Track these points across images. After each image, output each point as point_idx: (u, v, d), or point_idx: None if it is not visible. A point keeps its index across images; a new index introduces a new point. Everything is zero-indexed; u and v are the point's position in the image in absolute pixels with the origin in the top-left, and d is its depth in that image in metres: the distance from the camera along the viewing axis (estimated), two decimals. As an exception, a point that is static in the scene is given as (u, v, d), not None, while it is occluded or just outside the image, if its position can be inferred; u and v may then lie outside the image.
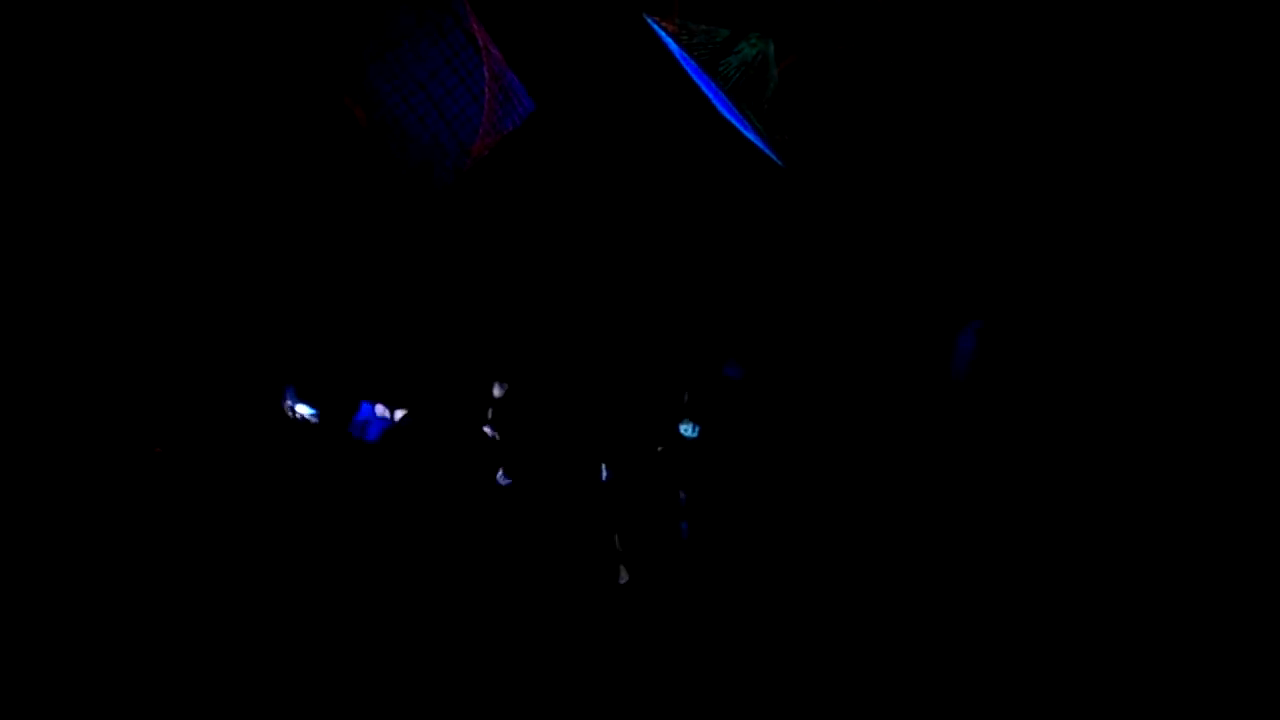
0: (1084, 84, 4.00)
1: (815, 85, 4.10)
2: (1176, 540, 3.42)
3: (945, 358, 3.94)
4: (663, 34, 3.51)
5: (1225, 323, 3.69)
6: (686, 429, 3.79)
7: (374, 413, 3.93)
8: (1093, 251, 3.96)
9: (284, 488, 3.14)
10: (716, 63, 3.52)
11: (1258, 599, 3.25)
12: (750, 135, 3.81)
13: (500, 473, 3.88)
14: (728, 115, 3.84)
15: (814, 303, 4.17)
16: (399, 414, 3.88)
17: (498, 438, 3.92)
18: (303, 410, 3.43)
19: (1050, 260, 3.98)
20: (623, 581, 3.70)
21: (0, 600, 2.68)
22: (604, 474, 3.81)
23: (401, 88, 3.89)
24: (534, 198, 4.41)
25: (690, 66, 3.65)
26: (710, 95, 3.82)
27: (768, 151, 3.81)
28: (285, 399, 3.66)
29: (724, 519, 3.60)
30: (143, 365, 3.63)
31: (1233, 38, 3.83)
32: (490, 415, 3.96)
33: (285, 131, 4.21)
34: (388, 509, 3.31)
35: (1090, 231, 3.98)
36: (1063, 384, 3.75)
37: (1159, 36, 3.90)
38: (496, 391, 4.06)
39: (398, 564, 3.26)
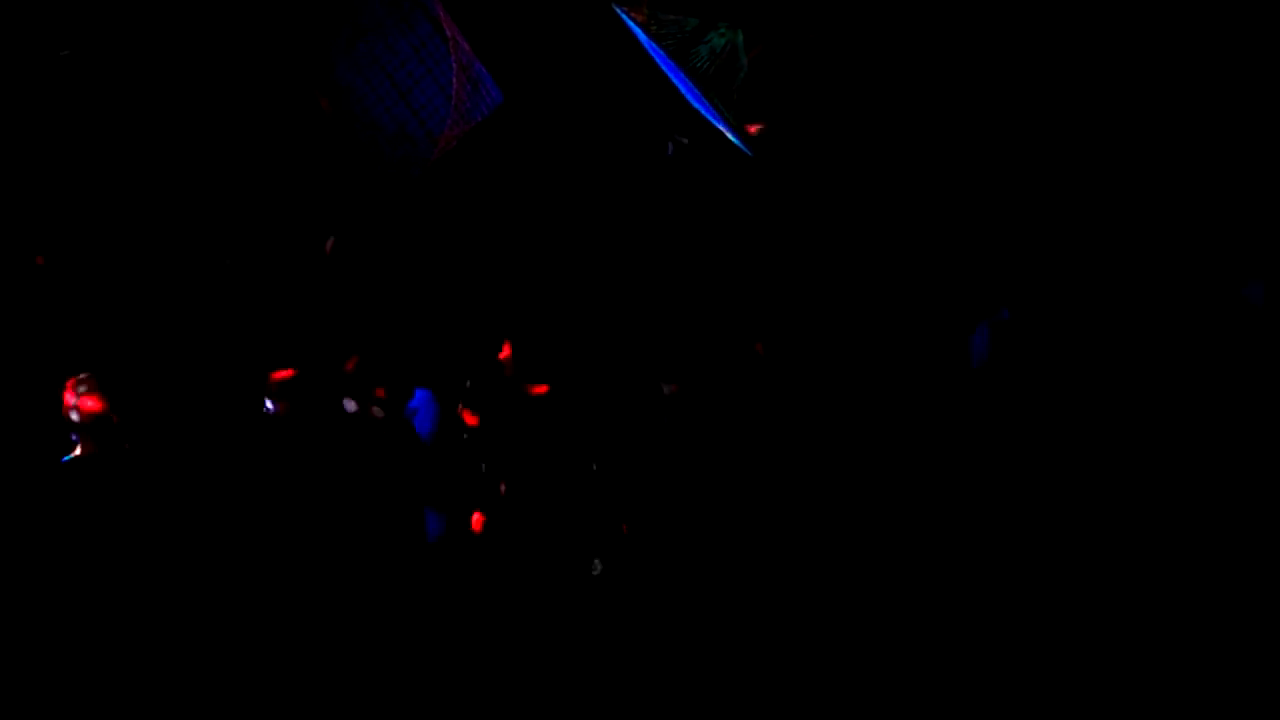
0: (1068, 73, 4.05)
1: (784, 74, 4.13)
2: (1189, 536, 3.40)
3: (943, 350, 3.97)
4: (632, 24, 3.52)
5: (1234, 314, 3.68)
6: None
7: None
8: (1091, 244, 4.00)
9: (262, 484, 3.13)
10: (685, 52, 3.53)
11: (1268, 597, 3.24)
12: (719, 124, 3.82)
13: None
14: (697, 105, 3.85)
15: (787, 293, 4.20)
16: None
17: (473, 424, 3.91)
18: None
19: (1043, 254, 4.02)
20: (595, 573, 3.70)
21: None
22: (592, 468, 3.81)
23: (369, 78, 3.87)
24: (503, 188, 4.41)
25: (659, 56, 3.66)
26: (679, 85, 3.83)
27: (736, 141, 3.83)
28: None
29: (721, 512, 3.59)
30: (116, 360, 3.60)
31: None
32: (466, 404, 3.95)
33: (254, 123, 4.18)
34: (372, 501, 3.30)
35: (1086, 223, 4.02)
36: (1075, 378, 3.74)
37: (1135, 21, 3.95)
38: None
39: (389, 559, 3.26)
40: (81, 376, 2.80)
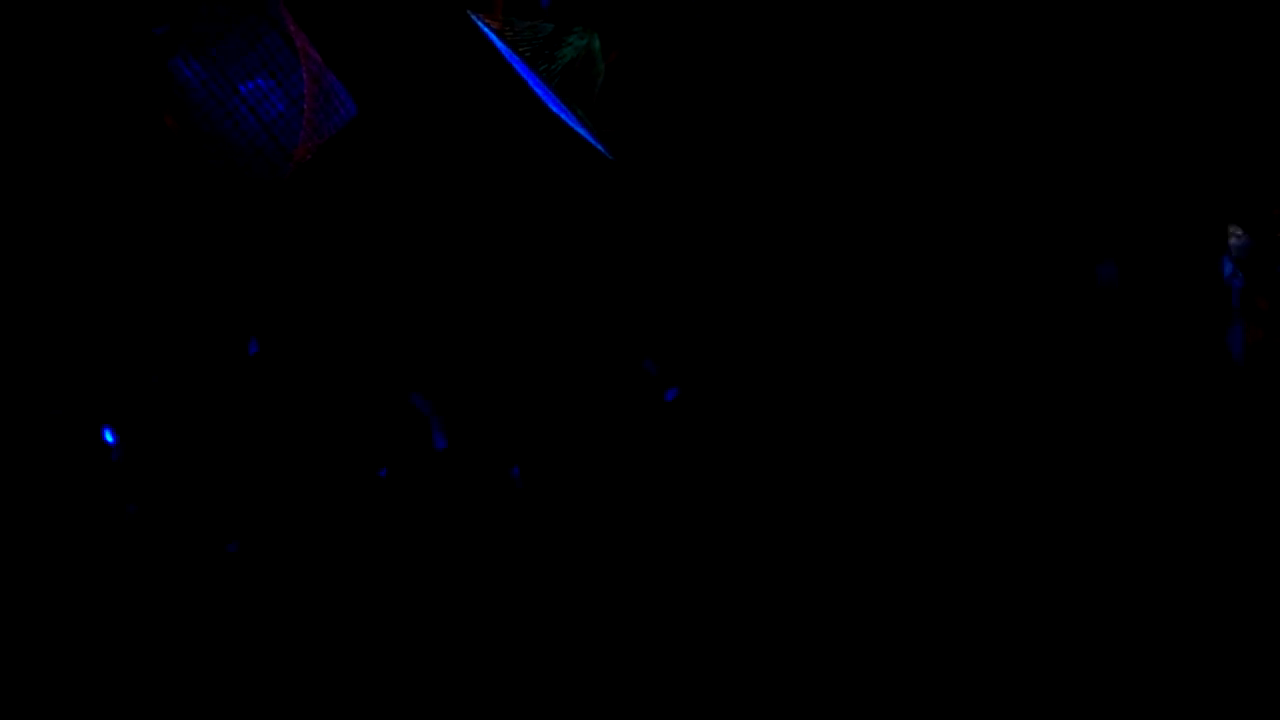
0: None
1: (643, 78, 4.16)
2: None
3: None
4: (487, 30, 3.49)
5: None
6: None
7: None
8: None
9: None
10: (542, 58, 3.52)
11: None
12: (579, 129, 3.83)
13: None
14: (556, 110, 3.85)
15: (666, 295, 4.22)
16: None
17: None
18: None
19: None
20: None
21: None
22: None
23: (216, 93, 3.74)
24: (361, 202, 4.32)
25: (516, 63, 3.64)
26: (538, 91, 3.82)
27: (597, 145, 3.84)
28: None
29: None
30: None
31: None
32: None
33: (94, 143, 3.99)
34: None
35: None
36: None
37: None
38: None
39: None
40: None
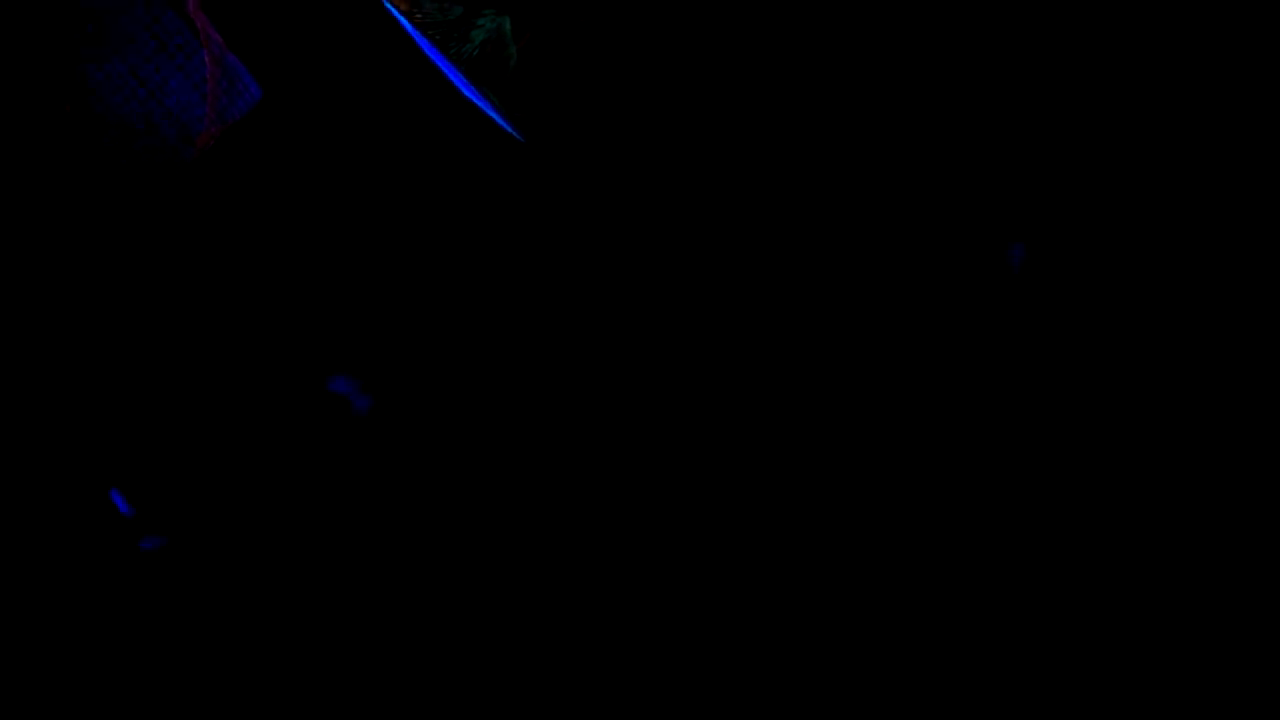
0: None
1: (555, 61, 4.14)
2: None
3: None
4: (395, 12, 3.45)
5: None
6: None
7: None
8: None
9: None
10: (451, 41, 3.49)
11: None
12: (491, 113, 3.80)
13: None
14: (467, 94, 3.82)
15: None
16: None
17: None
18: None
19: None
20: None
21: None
22: None
23: (114, 77, 3.63)
24: (268, 189, 4.23)
25: (426, 46, 3.60)
26: (448, 74, 3.78)
27: (508, 128, 3.82)
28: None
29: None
30: None
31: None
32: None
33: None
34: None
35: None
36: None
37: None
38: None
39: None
40: None
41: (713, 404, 3.82)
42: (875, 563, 3.41)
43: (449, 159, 4.29)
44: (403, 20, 3.47)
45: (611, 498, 3.58)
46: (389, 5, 3.38)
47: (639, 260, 4.20)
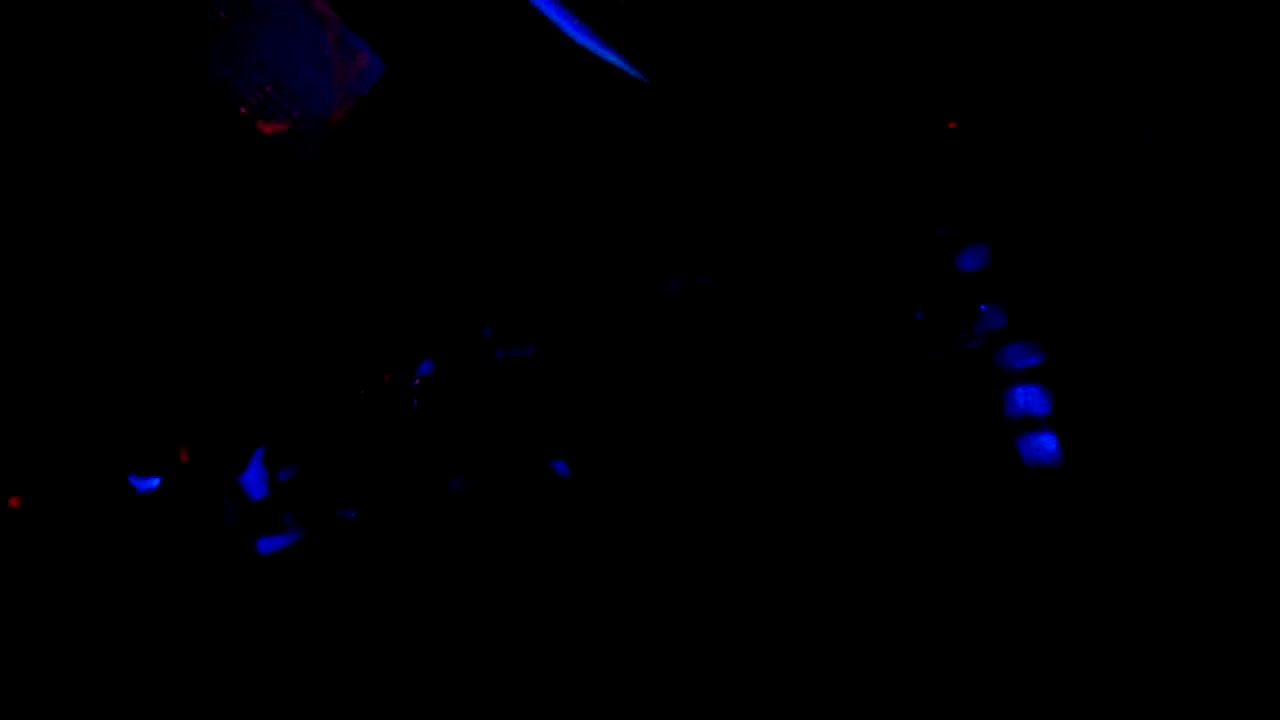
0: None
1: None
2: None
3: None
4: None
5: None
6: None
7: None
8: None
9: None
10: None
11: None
12: (608, 55, 3.73)
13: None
14: (580, 39, 3.76)
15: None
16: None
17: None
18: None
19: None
20: None
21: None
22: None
23: (241, 69, 3.74)
24: (405, 162, 4.29)
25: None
26: (559, 21, 3.73)
27: (628, 69, 3.75)
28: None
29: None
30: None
31: None
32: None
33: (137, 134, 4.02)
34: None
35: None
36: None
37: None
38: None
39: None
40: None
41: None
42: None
43: (574, 113, 4.25)
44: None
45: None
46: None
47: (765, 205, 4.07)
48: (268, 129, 3.83)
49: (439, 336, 3.98)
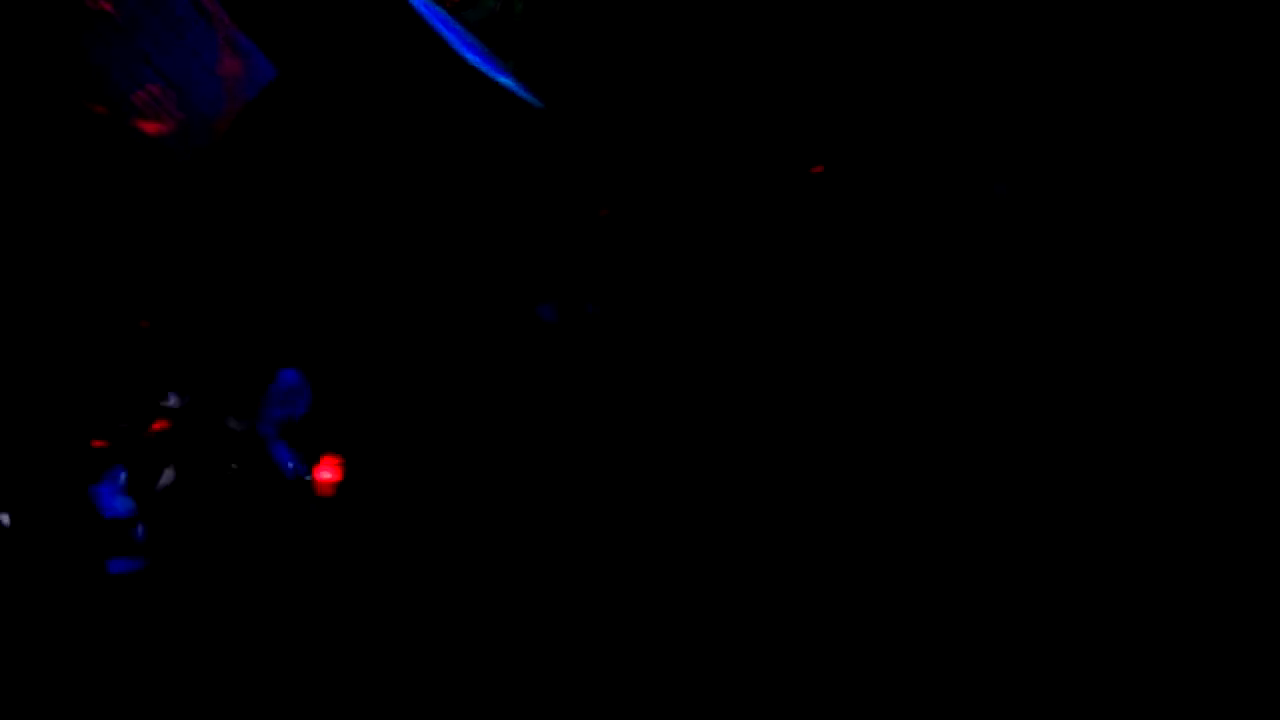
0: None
1: (564, 16, 4.09)
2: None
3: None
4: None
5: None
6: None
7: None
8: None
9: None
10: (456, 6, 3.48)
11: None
12: (503, 79, 3.78)
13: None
14: (476, 62, 3.81)
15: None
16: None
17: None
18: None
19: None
20: None
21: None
22: None
23: (133, 72, 3.64)
24: (289, 169, 4.24)
25: (434, 16, 3.58)
26: (455, 43, 3.76)
27: (523, 94, 3.80)
28: None
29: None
30: None
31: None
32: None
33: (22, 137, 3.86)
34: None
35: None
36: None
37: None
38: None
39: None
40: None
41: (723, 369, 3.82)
42: (874, 561, 3.41)
43: (465, 129, 4.27)
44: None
45: (610, 497, 3.60)
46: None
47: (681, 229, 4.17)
48: (150, 128, 3.74)
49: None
